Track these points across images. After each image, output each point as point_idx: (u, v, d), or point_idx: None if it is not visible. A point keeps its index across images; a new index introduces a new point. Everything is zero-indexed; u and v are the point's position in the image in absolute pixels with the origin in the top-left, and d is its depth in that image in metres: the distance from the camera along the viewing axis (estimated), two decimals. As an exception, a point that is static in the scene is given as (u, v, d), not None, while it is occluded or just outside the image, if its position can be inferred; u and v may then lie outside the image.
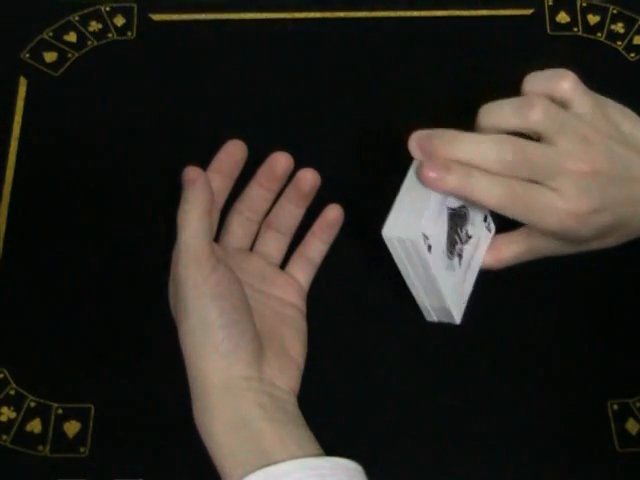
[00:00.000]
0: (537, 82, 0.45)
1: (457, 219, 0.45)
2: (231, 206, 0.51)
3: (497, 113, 0.44)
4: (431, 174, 0.42)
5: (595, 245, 0.46)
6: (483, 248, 0.48)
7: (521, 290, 0.53)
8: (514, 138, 0.43)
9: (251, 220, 0.51)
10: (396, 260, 0.45)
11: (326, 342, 0.51)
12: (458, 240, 0.46)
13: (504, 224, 0.46)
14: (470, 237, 0.47)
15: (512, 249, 0.47)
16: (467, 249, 0.47)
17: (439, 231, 0.44)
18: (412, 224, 0.42)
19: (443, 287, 0.45)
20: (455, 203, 0.45)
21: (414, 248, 0.43)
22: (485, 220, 0.48)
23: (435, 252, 0.43)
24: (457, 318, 0.47)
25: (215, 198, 0.48)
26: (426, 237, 0.43)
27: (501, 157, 0.42)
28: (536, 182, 0.43)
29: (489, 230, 0.49)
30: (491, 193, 0.42)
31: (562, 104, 0.44)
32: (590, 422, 0.50)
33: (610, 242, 0.47)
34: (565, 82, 0.44)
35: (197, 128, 0.57)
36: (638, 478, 0.49)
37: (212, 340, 0.43)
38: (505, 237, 0.48)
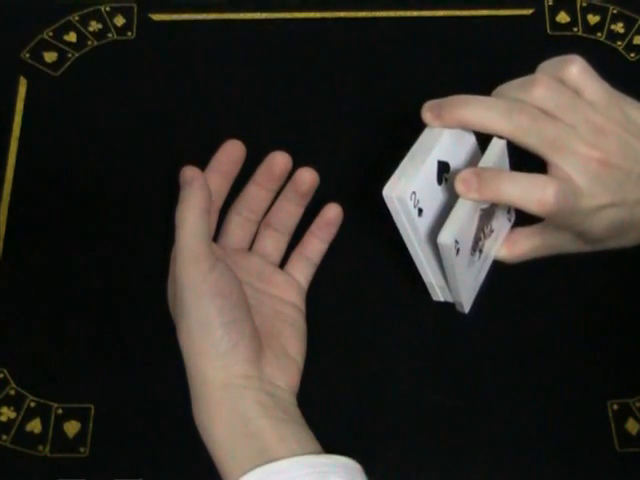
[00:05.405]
0: (545, 69, 0.43)
1: (485, 218, 0.44)
2: (230, 206, 0.52)
3: (503, 89, 0.43)
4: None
5: (611, 244, 0.45)
6: (501, 238, 0.47)
7: (521, 290, 0.53)
8: (526, 104, 0.41)
9: (250, 220, 0.51)
10: (399, 227, 0.43)
11: (326, 342, 0.51)
12: (482, 237, 0.45)
13: (522, 219, 0.46)
14: (492, 231, 0.46)
15: (527, 243, 0.46)
16: (488, 243, 0.46)
17: (466, 236, 0.42)
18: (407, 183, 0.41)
19: (461, 284, 0.44)
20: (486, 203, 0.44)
21: (402, 205, 0.41)
22: (508, 212, 0.48)
23: (461, 254, 0.42)
24: (467, 309, 0.47)
25: (214, 198, 0.48)
26: (415, 197, 0.41)
27: (509, 119, 0.40)
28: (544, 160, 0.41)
29: (509, 220, 0.48)
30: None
31: (574, 91, 0.42)
32: (590, 422, 0.50)
33: (625, 242, 0.45)
34: (573, 66, 0.42)
35: (196, 128, 0.57)
36: (638, 478, 0.49)
37: (211, 339, 0.43)
38: (521, 231, 0.47)
